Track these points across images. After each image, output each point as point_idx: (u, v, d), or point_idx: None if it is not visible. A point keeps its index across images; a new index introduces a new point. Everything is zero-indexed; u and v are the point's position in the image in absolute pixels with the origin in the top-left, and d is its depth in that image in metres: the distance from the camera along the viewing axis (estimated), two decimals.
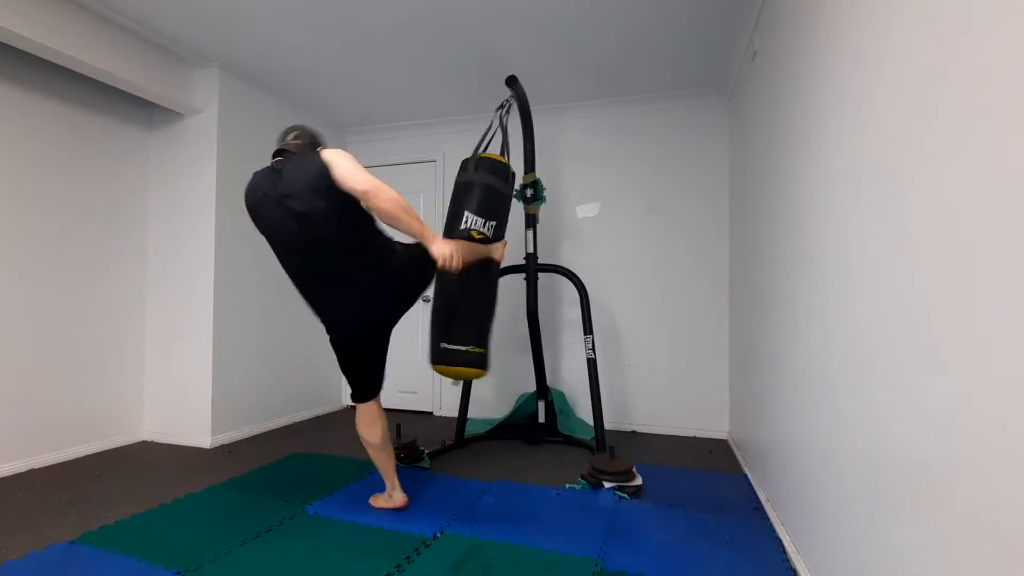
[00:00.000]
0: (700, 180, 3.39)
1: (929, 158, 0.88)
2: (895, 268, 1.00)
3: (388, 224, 1.72)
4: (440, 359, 2.30)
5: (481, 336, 2.33)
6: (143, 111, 3.16)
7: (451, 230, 2.36)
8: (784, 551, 1.73)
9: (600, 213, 3.58)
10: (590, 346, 2.83)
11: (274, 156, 1.83)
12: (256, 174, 1.82)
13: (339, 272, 1.78)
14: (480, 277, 2.33)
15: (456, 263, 1.80)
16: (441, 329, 2.30)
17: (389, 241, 1.86)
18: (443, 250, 1.79)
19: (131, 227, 3.10)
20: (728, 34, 2.67)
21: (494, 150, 2.73)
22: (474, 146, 3.86)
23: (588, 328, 2.86)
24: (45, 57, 2.41)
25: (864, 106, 1.17)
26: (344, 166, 1.69)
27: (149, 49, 2.78)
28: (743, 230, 2.77)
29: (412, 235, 1.76)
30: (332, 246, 1.74)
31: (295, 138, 1.85)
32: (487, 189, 2.38)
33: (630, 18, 2.55)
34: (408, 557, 1.67)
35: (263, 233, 1.83)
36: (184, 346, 3.07)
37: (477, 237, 2.31)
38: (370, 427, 2.02)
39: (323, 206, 1.69)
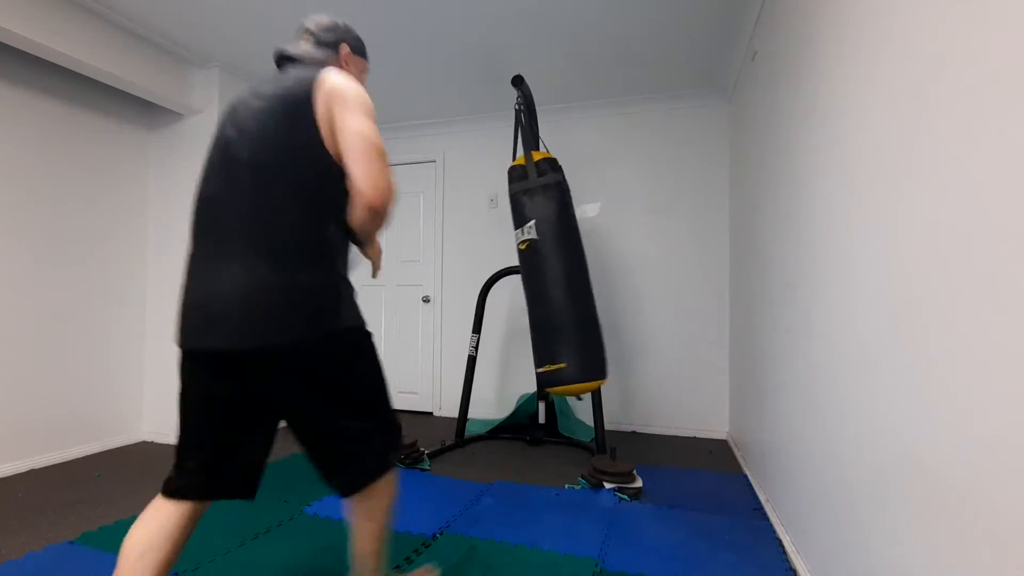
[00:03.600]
0: (701, 180, 3.39)
1: (929, 158, 0.88)
2: (896, 267, 1.00)
3: (358, 230, 1.13)
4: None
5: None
6: (143, 111, 3.17)
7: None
8: (784, 551, 1.73)
9: (600, 213, 3.59)
10: None
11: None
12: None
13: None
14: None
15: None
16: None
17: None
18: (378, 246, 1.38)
19: (132, 227, 3.10)
20: (728, 34, 2.67)
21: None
22: (475, 146, 3.87)
23: None
24: (45, 57, 2.41)
25: (864, 106, 1.17)
26: (357, 116, 1.06)
27: (149, 50, 2.78)
28: (743, 230, 2.77)
29: (368, 239, 1.20)
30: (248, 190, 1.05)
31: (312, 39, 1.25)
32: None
33: (630, 18, 2.55)
34: (408, 557, 1.67)
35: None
36: None
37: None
38: None
39: (277, 143, 1.05)
